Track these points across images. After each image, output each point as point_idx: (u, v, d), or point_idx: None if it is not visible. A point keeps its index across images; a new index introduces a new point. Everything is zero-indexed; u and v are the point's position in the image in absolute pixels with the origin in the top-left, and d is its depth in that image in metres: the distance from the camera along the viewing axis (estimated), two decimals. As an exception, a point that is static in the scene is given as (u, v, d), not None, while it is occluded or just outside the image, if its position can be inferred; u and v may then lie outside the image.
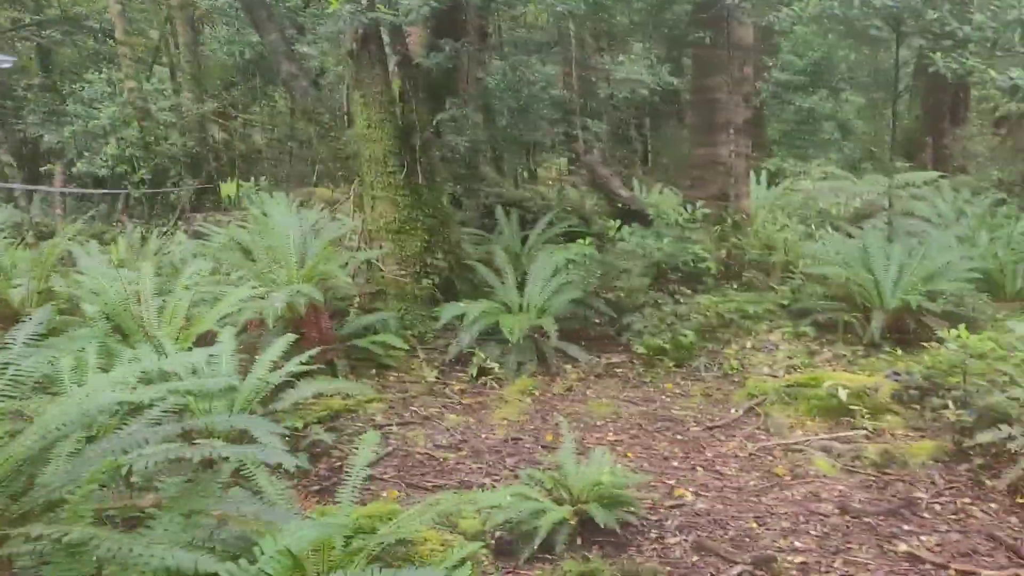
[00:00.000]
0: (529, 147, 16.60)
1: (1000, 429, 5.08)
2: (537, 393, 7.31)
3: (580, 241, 8.16)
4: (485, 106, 14.66)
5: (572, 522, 4.89)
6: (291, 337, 6.04)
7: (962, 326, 5.63)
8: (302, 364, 5.82)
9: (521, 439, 6.50)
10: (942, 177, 13.54)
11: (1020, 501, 4.92)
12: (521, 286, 8.24)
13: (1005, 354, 6.01)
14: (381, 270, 8.07)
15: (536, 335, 7.84)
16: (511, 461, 6.17)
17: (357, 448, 4.74)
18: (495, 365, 7.51)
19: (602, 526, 4.76)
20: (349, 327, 7.48)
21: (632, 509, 5.02)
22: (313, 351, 6.06)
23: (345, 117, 9.07)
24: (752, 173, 14.31)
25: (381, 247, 8.09)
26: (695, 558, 4.73)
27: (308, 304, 6.75)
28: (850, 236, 9.96)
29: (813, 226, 11.01)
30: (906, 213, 11.51)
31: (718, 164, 11.07)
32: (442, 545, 4.48)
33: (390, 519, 4.39)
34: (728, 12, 9.97)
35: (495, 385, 7.38)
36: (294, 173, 16.41)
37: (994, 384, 5.74)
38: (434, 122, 8.65)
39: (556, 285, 8.09)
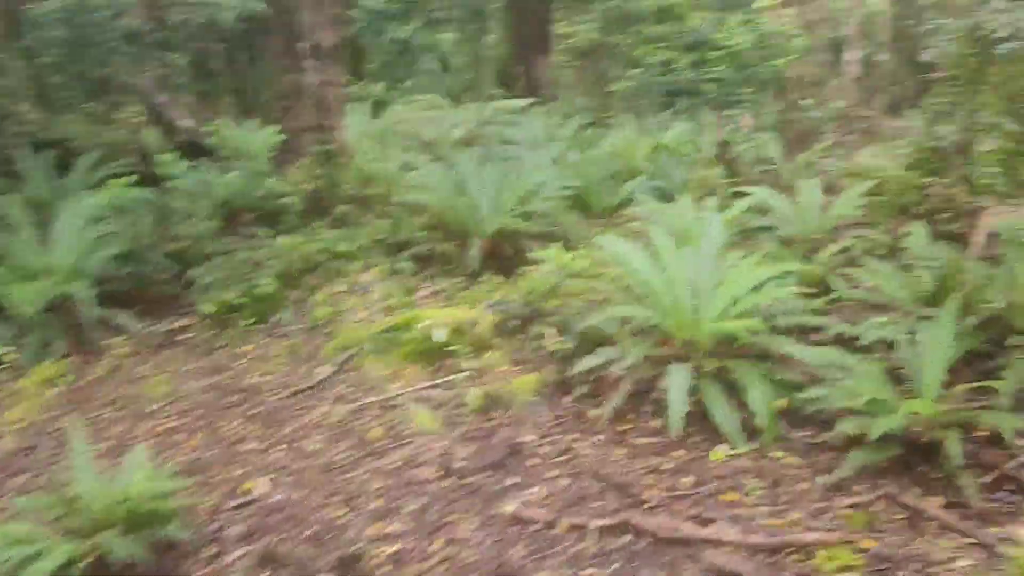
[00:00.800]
0: (100, 83, 14.02)
1: (599, 353, 4.60)
2: (70, 380, 5.62)
3: (115, 181, 6.39)
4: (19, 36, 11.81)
5: (89, 560, 3.49)
6: None
7: (557, 245, 5.09)
8: None
9: (38, 447, 4.84)
10: (535, 104, 13.68)
11: (624, 428, 4.49)
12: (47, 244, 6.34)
13: (600, 271, 5.66)
14: None
15: (69, 305, 6.06)
16: (19, 481, 4.53)
17: None
18: (7, 350, 5.63)
19: (125, 559, 3.43)
20: None
21: (174, 527, 3.73)
22: None
23: None
24: (355, 104, 13.32)
25: None
26: (265, 574, 3.62)
27: None
28: (453, 166, 9.38)
29: (414, 156, 10.27)
30: (504, 141, 11.29)
31: (306, 92, 9.87)
32: None
33: None
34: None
35: (6, 377, 5.52)
36: None
37: (592, 304, 5.33)
38: None
39: (93, 239, 6.33)
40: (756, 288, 4.62)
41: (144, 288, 6.64)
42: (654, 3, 15.66)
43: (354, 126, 11.59)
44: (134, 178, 6.53)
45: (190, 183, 6.68)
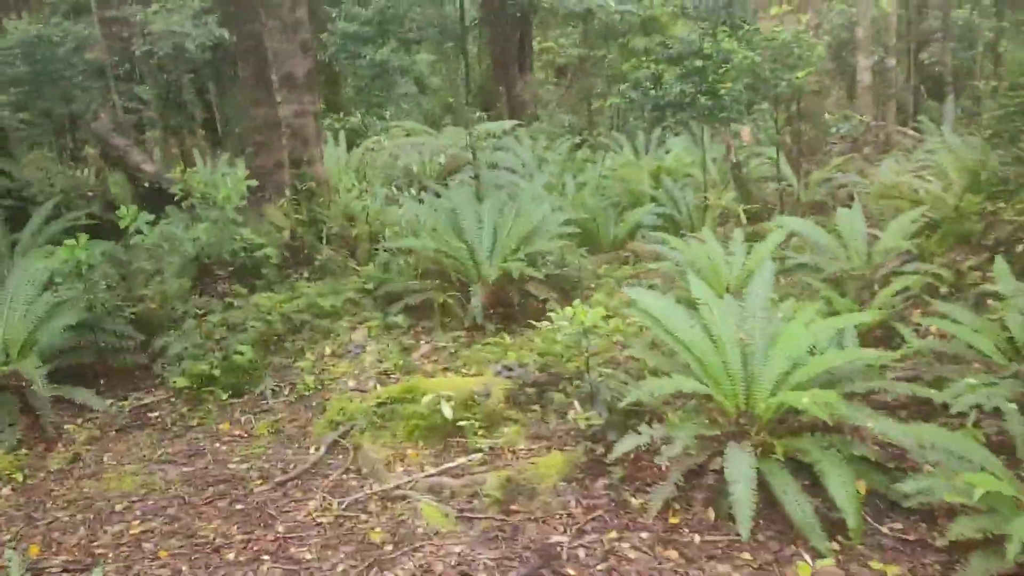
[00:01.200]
0: (66, 121, 13.32)
1: (639, 432, 3.93)
2: (21, 476, 4.88)
3: (68, 242, 5.63)
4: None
5: None
6: None
7: (577, 302, 4.42)
8: None
9: (-20, 570, 4.08)
10: (519, 125, 13.06)
11: (673, 522, 3.82)
12: (-8, 315, 5.60)
13: (621, 325, 5.00)
14: None
15: (21, 385, 5.33)
16: (-45, 619, 3.78)
17: None
18: (-54, 447, 4.88)
19: None
20: None
21: None
22: None
23: None
24: (331, 135, 12.65)
25: None
26: None
27: None
28: (438, 196, 8.70)
29: (397, 188, 9.58)
30: (491, 165, 10.64)
31: (281, 125, 9.18)
32: None
33: None
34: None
35: (-55, 480, 4.78)
36: None
37: (617, 365, 4.67)
38: None
39: (45, 308, 5.61)
40: (815, 348, 3.97)
41: (105, 359, 5.91)
42: (640, 15, 15.09)
43: (332, 158, 10.93)
44: (87, 236, 5.78)
45: (156, 237, 5.97)
